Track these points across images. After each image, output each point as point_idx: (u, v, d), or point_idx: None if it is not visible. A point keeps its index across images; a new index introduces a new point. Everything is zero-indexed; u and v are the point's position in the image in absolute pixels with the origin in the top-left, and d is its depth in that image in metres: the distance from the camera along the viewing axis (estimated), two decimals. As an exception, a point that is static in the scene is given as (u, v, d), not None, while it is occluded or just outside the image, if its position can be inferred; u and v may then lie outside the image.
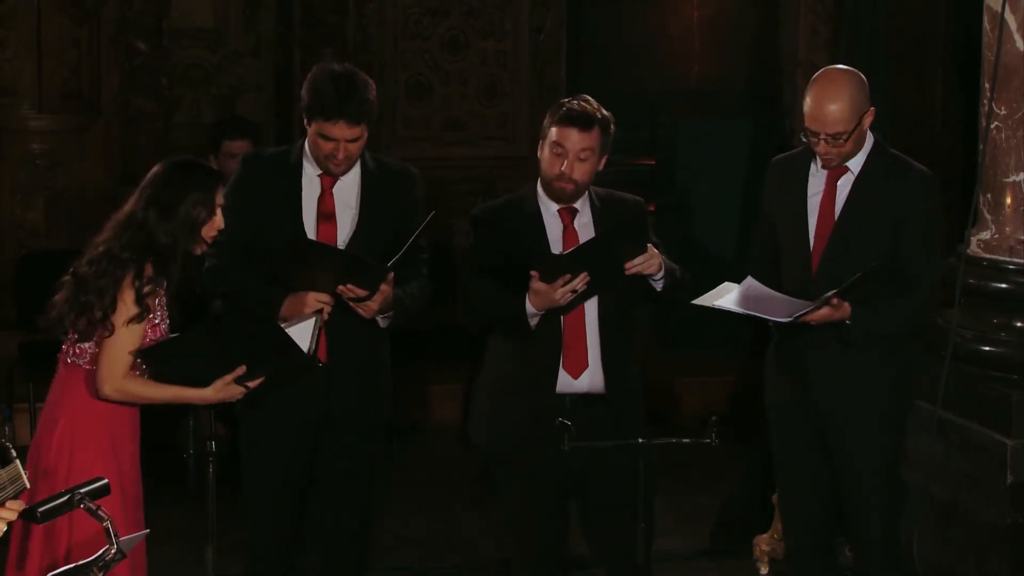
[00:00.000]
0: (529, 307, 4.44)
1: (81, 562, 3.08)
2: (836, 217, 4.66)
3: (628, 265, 4.44)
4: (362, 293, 4.47)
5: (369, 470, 4.80)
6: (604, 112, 4.57)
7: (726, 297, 4.55)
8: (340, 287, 4.46)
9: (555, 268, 4.40)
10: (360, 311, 4.52)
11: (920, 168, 4.75)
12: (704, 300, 4.57)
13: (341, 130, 4.53)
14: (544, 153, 4.56)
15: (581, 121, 4.50)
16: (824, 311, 4.49)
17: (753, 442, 6.46)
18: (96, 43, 8.93)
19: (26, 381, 7.33)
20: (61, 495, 3.14)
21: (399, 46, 9.50)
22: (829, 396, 4.71)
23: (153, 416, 4.34)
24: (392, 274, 4.48)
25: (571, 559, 4.93)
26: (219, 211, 4.19)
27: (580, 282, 4.39)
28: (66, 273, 4.21)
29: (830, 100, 4.55)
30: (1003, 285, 5.47)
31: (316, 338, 4.30)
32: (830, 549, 5.06)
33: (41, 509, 3.13)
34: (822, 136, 4.56)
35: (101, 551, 3.08)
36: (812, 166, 4.73)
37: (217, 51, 9.31)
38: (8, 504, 3.07)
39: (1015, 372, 5.35)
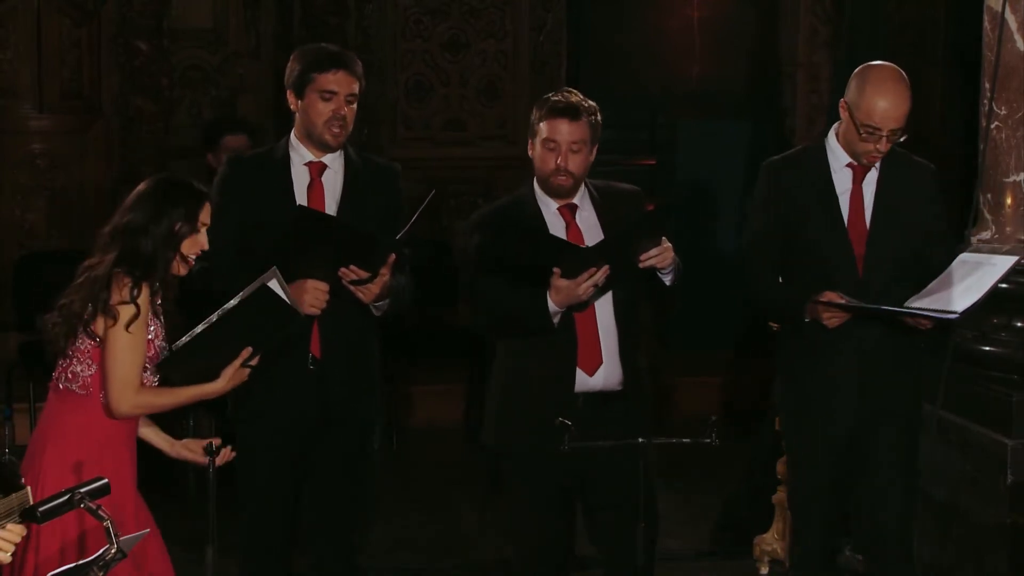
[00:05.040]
0: (551, 304, 4.39)
1: (81, 562, 3.08)
2: (869, 216, 4.58)
3: (643, 257, 4.38)
4: (364, 275, 4.43)
5: (362, 467, 4.79)
6: (588, 102, 4.55)
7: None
8: (342, 269, 4.41)
9: (580, 262, 4.33)
10: (360, 295, 4.47)
11: (922, 160, 4.72)
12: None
13: (341, 80, 4.57)
14: (536, 151, 4.54)
15: (569, 112, 4.48)
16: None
17: (752, 442, 6.48)
18: (96, 43, 8.95)
19: (26, 381, 7.32)
20: (61, 495, 3.14)
21: (399, 46, 9.50)
22: (877, 389, 4.59)
23: (151, 416, 4.31)
24: (394, 256, 4.44)
25: (573, 560, 4.91)
26: (203, 230, 4.10)
27: (602, 276, 4.34)
28: (58, 299, 4.06)
29: (900, 97, 4.46)
30: (1003, 285, 5.44)
31: (286, 289, 4.15)
32: (835, 551, 4.99)
33: (41, 509, 3.12)
34: (886, 133, 4.46)
35: (101, 551, 3.08)
36: (831, 166, 4.61)
37: (217, 52, 9.30)
38: (10, 526, 3.06)
39: (1015, 372, 5.35)
